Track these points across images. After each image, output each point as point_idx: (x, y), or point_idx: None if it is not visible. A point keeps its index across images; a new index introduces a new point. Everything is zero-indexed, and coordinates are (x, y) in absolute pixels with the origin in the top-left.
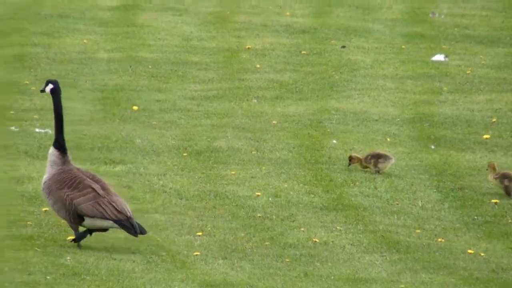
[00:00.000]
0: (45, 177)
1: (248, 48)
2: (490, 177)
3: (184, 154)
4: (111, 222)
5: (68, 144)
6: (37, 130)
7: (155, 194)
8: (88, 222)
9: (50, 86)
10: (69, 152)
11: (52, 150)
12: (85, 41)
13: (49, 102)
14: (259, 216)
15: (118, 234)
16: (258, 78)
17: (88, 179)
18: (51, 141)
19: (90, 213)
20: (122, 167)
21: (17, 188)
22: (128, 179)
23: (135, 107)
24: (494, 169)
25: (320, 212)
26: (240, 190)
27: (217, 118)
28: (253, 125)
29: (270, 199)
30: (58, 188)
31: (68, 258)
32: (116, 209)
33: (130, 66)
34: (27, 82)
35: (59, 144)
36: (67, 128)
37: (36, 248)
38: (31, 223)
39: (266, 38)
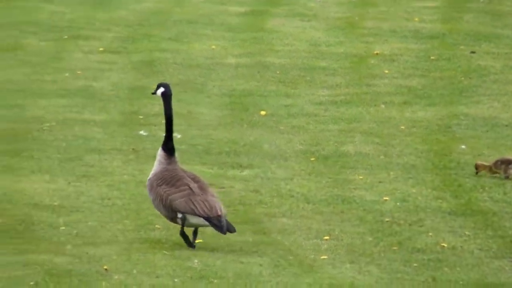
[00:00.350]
0: (150, 174)
1: (376, 53)
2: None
3: (312, 159)
4: (201, 219)
5: (196, 149)
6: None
7: (283, 198)
8: (182, 218)
9: (161, 89)
10: (177, 154)
11: (160, 151)
12: (213, 46)
13: (177, 107)
14: (387, 221)
15: (247, 237)
16: (386, 83)
17: (188, 178)
18: (179, 145)
19: (182, 209)
20: (250, 171)
21: (145, 192)
22: (255, 183)
23: (262, 112)
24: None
25: (448, 217)
26: (367, 195)
27: (344, 123)
28: (381, 130)
29: (398, 203)
30: (158, 184)
31: (196, 261)
32: (206, 207)
33: (258, 72)
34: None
35: (167, 146)
36: (195, 133)
37: (164, 251)
38: (159, 227)
39: (394, 44)
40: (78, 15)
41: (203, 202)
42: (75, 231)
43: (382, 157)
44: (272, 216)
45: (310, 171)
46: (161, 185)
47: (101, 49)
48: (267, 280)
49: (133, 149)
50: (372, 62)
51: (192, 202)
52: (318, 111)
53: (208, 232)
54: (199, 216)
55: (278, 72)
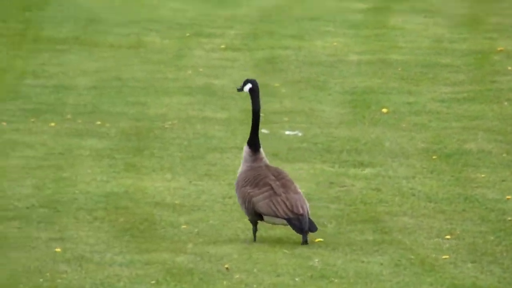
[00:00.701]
0: (237, 172)
1: (500, 50)
2: None
3: (434, 157)
4: (284, 220)
5: (317, 147)
6: (286, 132)
7: (404, 197)
8: (267, 219)
9: (249, 85)
10: (262, 149)
11: (245, 147)
12: (335, 43)
13: (298, 104)
14: (510, 220)
15: (367, 236)
16: (510, 80)
17: (271, 177)
18: (301, 144)
19: (265, 211)
20: (371, 170)
21: None
22: (377, 181)
23: (384, 110)
24: None
25: None
26: (490, 193)
27: (467, 120)
28: (504, 128)
29: None
30: (242, 185)
31: (316, 260)
32: (287, 207)
33: (380, 69)
34: (277, 85)
35: (252, 142)
36: (317, 131)
37: (284, 250)
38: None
39: None
40: (200, 13)
41: (284, 202)
42: (196, 230)
43: (504, 155)
44: (393, 215)
45: (432, 169)
46: (245, 186)
47: (222, 46)
48: (388, 279)
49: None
50: (496, 58)
51: (274, 204)
52: (441, 108)
53: (328, 231)
54: (281, 218)
55: (400, 69)
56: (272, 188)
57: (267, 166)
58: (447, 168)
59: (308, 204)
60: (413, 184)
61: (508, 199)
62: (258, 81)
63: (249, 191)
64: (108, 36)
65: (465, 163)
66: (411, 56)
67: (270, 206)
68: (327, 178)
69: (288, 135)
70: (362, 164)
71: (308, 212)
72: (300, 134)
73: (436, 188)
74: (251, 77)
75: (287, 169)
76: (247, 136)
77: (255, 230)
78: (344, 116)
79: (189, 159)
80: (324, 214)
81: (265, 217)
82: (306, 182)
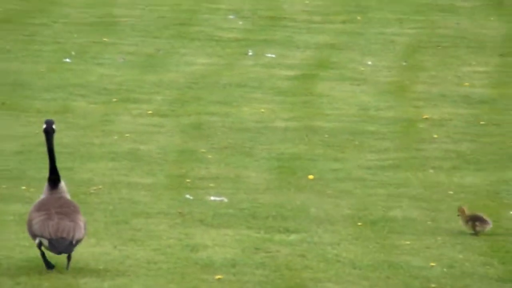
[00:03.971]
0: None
1: (426, 118)
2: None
3: (359, 224)
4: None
5: (243, 213)
6: (212, 198)
7: (329, 263)
8: (38, 241)
9: (44, 125)
10: (63, 184)
11: (45, 184)
12: (262, 110)
13: (225, 170)
14: (433, 287)
15: None
16: (435, 148)
17: (56, 205)
18: (226, 209)
19: (37, 231)
20: (297, 235)
21: (192, 256)
22: (302, 248)
23: (310, 176)
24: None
25: (495, 284)
26: (414, 260)
27: (392, 187)
28: (429, 196)
29: (444, 269)
30: (31, 210)
31: None
32: (54, 230)
33: (307, 135)
34: (204, 151)
35: (50, 177)
36: (243, 197)
37: None
38: None
39: (444, 108)
40: (128, 78)
41: (53, 226)
42: None
43: (429, 222)
44: (318, 281)
45: (357, 236)
46: (32, 210)
47: (150, 112)
48: None
49: (179, 212)
50: (421, 126)
51: (45, 226)
52: (366, 175)
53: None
54: (45, 238)
55: (326, 136)
56: (49, 213)
57: (61, 197)
58: (372, 235)
59: (83, 233)
60: (338, 251)
61: (432, 266)
62: (184, 147)
63: (32, 214)
64: (35, 101)
65: (390, 230)
66: (338, 123)
67: (40, 227)
68: (252, 244)
69: (214, 200)
70: (287, 230)
71: (74, 239)
72: (226, 200)
73: (361, 255)
74: (177, 143)
75: (213, 234)
76: (173, 201)
77: (42, 254)
78: (270, 182)
79: (114, 224)
80: (249, 279)
81: (37, 239)
82: (232, 248)
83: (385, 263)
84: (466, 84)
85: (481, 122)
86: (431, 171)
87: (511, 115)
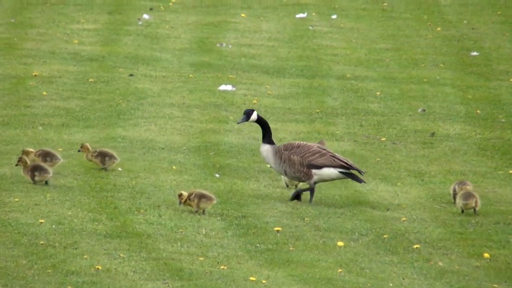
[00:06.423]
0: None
1: (35, 75)
2: (86, 157)
3: None
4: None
5: None
6: None
7: None
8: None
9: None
10: None
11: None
12: None
13: None
14: (42, 244)
15: None
16: (44, 105)
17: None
18: None
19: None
20: None
21: None
22: None
23: None
24: (87, 149)
25: (103, 240)
26: (23, 217)
27: (1, 145)
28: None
29: (53, 226)
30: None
31: None
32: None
33: None
34: None
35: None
36: None
37: None
38: None
39: (53, 65)
40: None
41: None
42: None
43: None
44: None
45: None
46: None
47: None
48: None
49: None
50: (31, 83)
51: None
52: None
53: None
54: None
55: None
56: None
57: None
58: None
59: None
60: None
61: (41, 222)
62: None
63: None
64: None
65: None
66: None
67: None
68: None
69: None
70: None
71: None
72: None
73: None
74: None
75: None
76: None
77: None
78: None
79: None
80: None
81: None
82: None
83: None
84: (76, 41)
85: (90, 80)
86: (40, 128)
87: (119, 73)
